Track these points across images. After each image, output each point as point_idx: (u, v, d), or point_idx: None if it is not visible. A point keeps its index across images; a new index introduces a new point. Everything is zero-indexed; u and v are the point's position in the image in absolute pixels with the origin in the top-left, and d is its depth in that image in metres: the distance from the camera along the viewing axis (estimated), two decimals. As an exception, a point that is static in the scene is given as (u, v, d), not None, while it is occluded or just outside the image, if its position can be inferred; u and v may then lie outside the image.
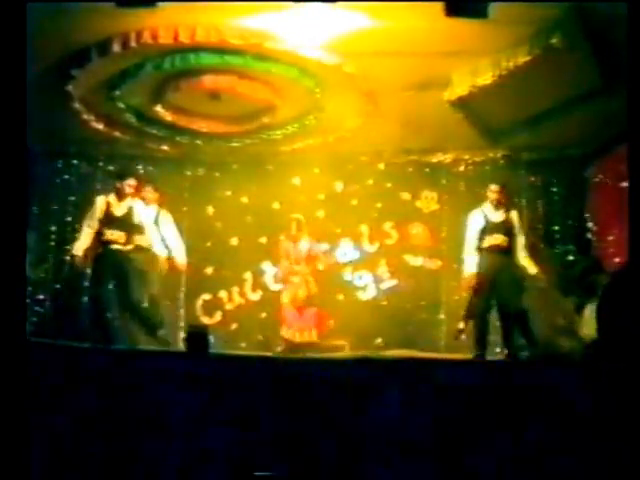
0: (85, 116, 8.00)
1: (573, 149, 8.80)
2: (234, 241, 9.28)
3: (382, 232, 9.43)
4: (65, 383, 4.14)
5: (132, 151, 9.09)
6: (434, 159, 9.34)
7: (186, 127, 8.37)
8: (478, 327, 6.80)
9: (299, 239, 8.59)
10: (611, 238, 8.12)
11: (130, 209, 6.83)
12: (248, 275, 9.27)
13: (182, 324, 9.03)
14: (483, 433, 3.94)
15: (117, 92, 7.49)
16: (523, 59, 6.36)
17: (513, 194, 7.71)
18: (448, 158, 9.30)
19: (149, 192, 7.54)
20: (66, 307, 8.91)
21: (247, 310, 9.23)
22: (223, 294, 9.34)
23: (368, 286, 9.39)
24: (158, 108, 7.89)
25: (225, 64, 6.87)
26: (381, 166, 9.45)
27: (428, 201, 9.41)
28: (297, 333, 8.30)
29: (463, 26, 5.74)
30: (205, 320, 9.09)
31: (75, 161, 9.35)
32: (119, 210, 6.80)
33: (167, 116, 8.07)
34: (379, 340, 8.78)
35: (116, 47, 6.48)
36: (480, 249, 6.80)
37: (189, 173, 9.54)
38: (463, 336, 7.09)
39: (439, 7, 5.41)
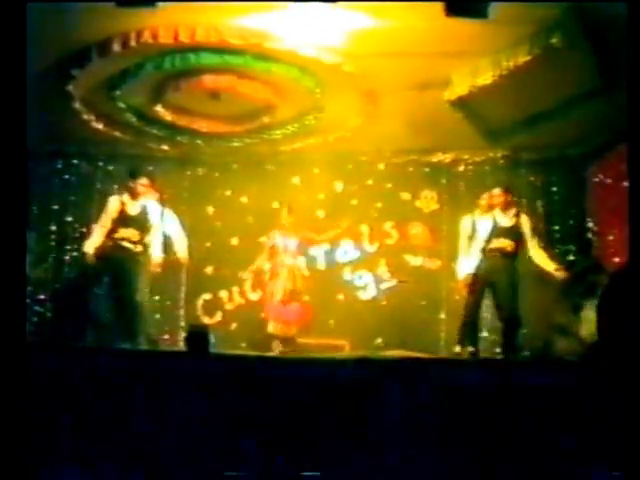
0: (85, 116, 8.00)
1: (573, 149, 8.80)
2: (234, 241, 9.28)
3: (382, 232, 9.43)
4: (65, 383, 4.14)
5: (132, 151, 9.09)
6: (434, 159, 9.34)
7: (186, 127, 8.37)
8: (471, 325, 6.82)
9: (289, 228, 8.54)
10: (611, 238, 8.12)
11: (144, 208, 6.83)
12: (248, 275, 9.26)
13: (182, 324, 9.04)
14: (483, 433, 3.94)
15: (117, 92, 7.49)
16: (523, 59, 6.36)
17: (516, 195, 7.72)
18: (448, 158, 9.30)
19: (145, 185, 7.41)
20: (66, 307, 8.94)
21: (247, 310, 9.23)
22: (223, 294, 9.34)
23: (368, 286, 9.39)
24: (158, 108, 7.89)
25: (225, 64, 6.87)
26: (381, 166, 9.45)
27: (428, 201, 9.41)
28: (280, 326, 8.27)
29: (463, 26, 5.74)
30: (205, 320, 9.09)
31: (75, 161, 9.35)
32: (133, 209, 6.79)
33: (167, 116, 8.07)
34: (379, 340, 8.78)
35: (116, 47, 6.48)
36: (484, 251, 6.81)
37: (189, 173, 9.54)
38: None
39: (439, 7, 5.41)
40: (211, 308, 9.29)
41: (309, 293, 9.23)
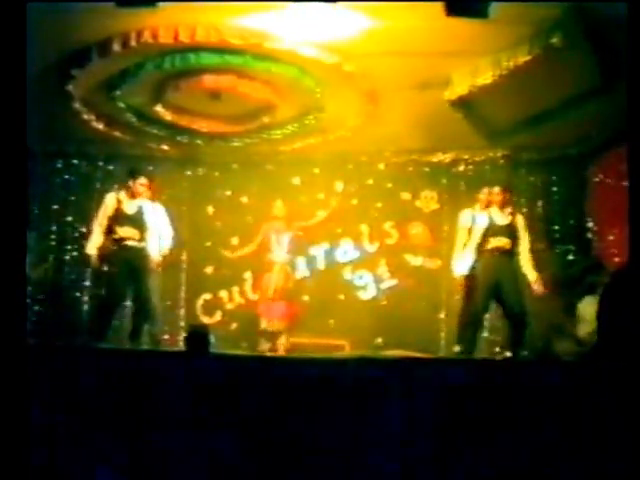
0: (85, 116, 8.01)
1: (573, 149, 8.79)
2: (234, 241, 9.28)
3: (382, 232, 9.43)
4: (65, 383, 4.13)
5: (132, 151, 9.09)
6: (434, 159, 9.34)
7: (186, 127, 8.37)
8: (471, 327, 6.81)
9: (282, 221, 8.54)
10: (611, 238, 8.12)
11: (140, 208, 6.82)
12: (248, 275, 9.27)
13: (182, 324, 9.04)
14: (483, 433, 3.94)
15: (117, 92, 7.49)
16: (523, 59, 6.36)
17: (515, 195, 7.73)
18: (448, 158, 9.31)
19: (145, 185, 7.36)
20: (66, 307, 8.95)
21: (247, 310, 9.24)
22: (223, 294, 9.34)
23: (368, 286, 9.39)
24: (158, 108, 7.89)
25: (225, 64, 6.88)
26: (381, 166, 9.45)
27: (428, 201, 9.41)
28: (268, 322, 8.29)
29: (463, 26, 5.74)
30: (205, 320, 9.09)
31: (75, 161, 9.36)
32: (130, 208, 6.78)
33: (167, 116, 8.07)
34: (379, 340, 8.78)
35: (116, 47, 6.48)
36: (482, 251, 6.80)
37: (189, 173, 9.55)
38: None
39: (439, 7, 5.41)
40: (211, 308, 9.29)
41: (309, 293, 9.26)
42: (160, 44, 6.46)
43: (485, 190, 7.06)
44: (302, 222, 8.91)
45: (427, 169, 9.46)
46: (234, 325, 9.21)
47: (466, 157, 9.29)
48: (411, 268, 9.32)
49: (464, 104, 7.29)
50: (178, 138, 8.68)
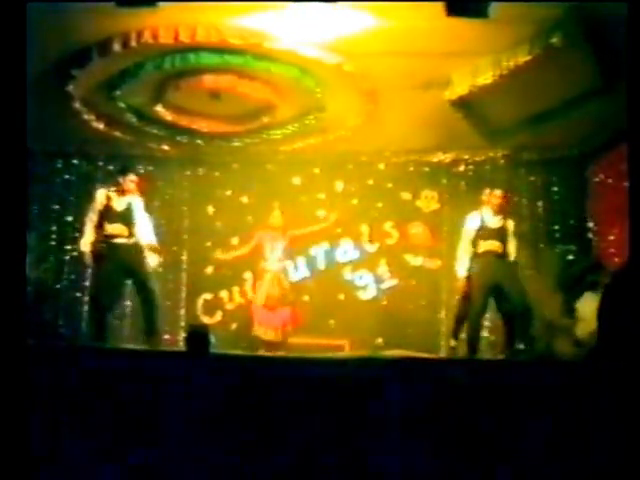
0: (85, 116, 8.01)
1: (573, 149, 8.80)
2: (234, 241, 9.28)
3: (382, 232, 9.43)
4: (65, 383, 4.13)
5: (132, 151, 9.09)
6: (434, 159, 9.34)
7: (186, 127, 8.37)
8: (472, 331, 6.82)
9: (278, 230, 8.54)
10: (611, 238, 8.12)
11: (129, 205, 6.81)
12: (248, 275, 9.26)
13: (182, 324, 9.04)
14: (483, 433, 3.94)
15: (117, 92, 7.49)
16: (523, 59, 6.36)
17: (516, 195, 7.73)
18: (448, 158, 9.31)
19: (134, 181, 7.30)
20: (66, 306, 8.95)
21: (248, 310, 9.23)
22: (224, 294, 9.34)
23: (368, 286, 9.39)
24: (158, 108, 7.89)
25: (225, 64, 6.88)
26: (381, 166, 9.45)
27: (428, 201, 9.41)
28: (268, 331, 8.28)
29: (463, 26, 5.75)
30: (205, 320, 9.09)
31: (75, 161, 9.35)
32: (119, 205, 6.77)
33: (167, 116, 8.07)
34: (379, 340, 8.78)
35: (116, 47, 6.48)
36: (475, 254, 6.80)
37: (189, 173, 9.54)
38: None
39: (439, 7, 5.42)
40: (211, 308, 9.29)
41: (309, 293, 9.26)
42: (160, 44, 6.46)
43: (487, 191, 7.04)
44: (297, 230, 8.88)
45: (427, 169, 9.46)
46: (234, 325, 9.21)
47: (466, 157, 9.29)
48: (411, 268, 9.32)
49: (464, 104, 7.29)
50: (178, 138, 8.68)
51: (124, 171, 6.93)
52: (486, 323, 7.99)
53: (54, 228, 9.15)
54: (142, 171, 9.04)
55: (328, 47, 6.64)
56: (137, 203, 6.84)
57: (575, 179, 9.00)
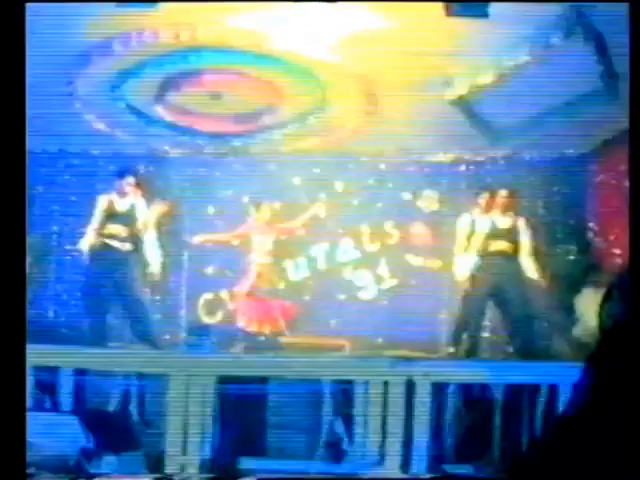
0: (86, 116, 8.01)
1: (573, 149, 8.79)
2: (234, 241, 9.27)
3: (382, 232, 9.41)
4: (65, 383, 4.14)
5: (132, 151, 9.09)
6: (434, 159, 9.33)
7: (186, 127, 8.37)
8: (472, 331, 6.82)
9: (262, 225, 8.52)
10: (611, 238, 8.11)
11: (132, 206, 6.84)
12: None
13: (182, 324, 9.03)
14: (483, 433, 3.95)
15: (117, 92, 7.49)
16: (523, 59, 6.36)
17: (520, 199, 7.73)
18: (448, 158, 9.29)
19: (132, 184, 7.30)
20: (66, 306, 8.95)
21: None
22: (224, 294, 9.32)
23: (368, 286, 9.38)
24: (158, 108, 7.89)
25: (225, 64, 6.88)
26: (381, 166, 9.44)
27: (429, 201, 9.40)
28: (253, 322, 8.25)
29: (463, 26, 5.75)
30: (206, 320, 9.08)
31: (75, 161, 9.35)
32: (121, 207, 6.80)
33: (167, 116, 8.07)
34: (379, 340, 8.77)
35: (116, 47, 6.48)
36: (484, 254, 6.80)
37: (189, 173, 9.53)
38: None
39: (439, 7, 5.42)
40: (212, 308, 9.27)
41: (309, 293, 9.25)
42: (160, 44, 6.46)
43: (485, 194, 7.05)
44: (284, 225, 8.84)
45: (427, 169, 9.45)
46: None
47: (466, 157, 9.28)
48: (411, 268, 9.31)
49: (464, 104, 7.29)
50: (178, 138, 8.68)
51: (122, 174, 6.99)
52: (486, 323, 7.98)
53: (54, 228, 9.15)
54: (142, 171, 9.08)
55: (328, 47, 6.64)
56: (139, 204, 6.87)
57: (575, 179, 8.99)
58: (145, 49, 6.57)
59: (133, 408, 6.13)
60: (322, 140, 8.69)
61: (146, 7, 5.63)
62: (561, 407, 4.05)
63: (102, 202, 6.83)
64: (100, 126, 8.30)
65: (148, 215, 6.97)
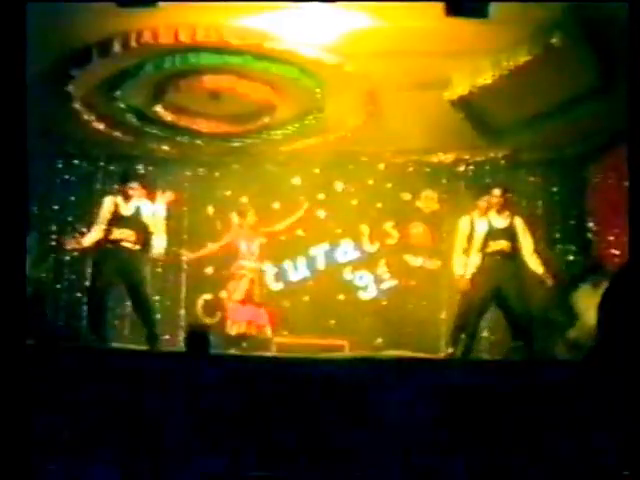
0: (86, 116, 8.01)
1: (573, 149, 8.79)
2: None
3: (382, 232, 9.42)
4: (65, 383, 4.14)
5: (132, 151, 9.09)
6: (434, 159, 9.34)
7: (186, 127, 8.37)
8: (471, 331, 6.82)
9: (247, 231, 8.52)
10: (611, 238, 8.12)
11: (137, 209, 6.85)
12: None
13: (182, 324, 9.03)
14: (483, 433, 3.95)
15: (117, 92, 7.49)
16: (523, 59, 6.37)
17: (516, 196, 7.72)
18: (448, 158, 9.30)
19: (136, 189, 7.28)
20: (66, 306, 8.96)
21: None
22: (224, 294, 9.33)
23: (368, 286, 9.39)
24: (158, 108, 7.89)
25: (225, 64, 6.88)
26: (381, 166, 9.45)
27: (428, 201, 9.41)
28: (242, 324, 8.23)
29: (463, 26, 5.75)
30: (206, 320, 9.09)
31: (75, 161, 9.35)
32: (127, 210, 6.82)
33: (167, 116, 8.07)
34: (379, 340, 8.78)
35: (116, 47, 6.48)
36: (484, 254, 6.80)
37: (189, 173, 9.54)
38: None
39: (439, 7, 5.41)
40: (211, 308, 9.28)
41: (309, 293, 9.26)
42: (160, 44, 6.46)
43: (485, 197, 7.04)
44: (269, 228, 8.81)
45: (427, 169, 9.46)
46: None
47: (466, 157, 9.29)
48: (411, 268, 9.32)
49: (464, 104, 7.29)
50: (178, 138, 8.67)
51: (125, 179, 7.00)
52: (486, 323, 7.99)
53: (54, 228, 9.15)
54: (142, 171, 9.08)
55: (328, 47, 6.64)
56: (145, 207, 6.88)
57: (575, 179, 9.00)
58: (145, 49, 6.57)
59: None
60: (322, 140, 8.70)
61: (146, 7, 5.62)
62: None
63: (107, 204, 6.85)
64: (100, 126, 8.30)
65: (157, 210, 6.95)
